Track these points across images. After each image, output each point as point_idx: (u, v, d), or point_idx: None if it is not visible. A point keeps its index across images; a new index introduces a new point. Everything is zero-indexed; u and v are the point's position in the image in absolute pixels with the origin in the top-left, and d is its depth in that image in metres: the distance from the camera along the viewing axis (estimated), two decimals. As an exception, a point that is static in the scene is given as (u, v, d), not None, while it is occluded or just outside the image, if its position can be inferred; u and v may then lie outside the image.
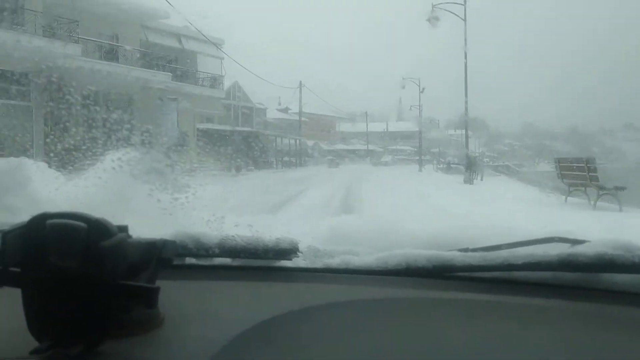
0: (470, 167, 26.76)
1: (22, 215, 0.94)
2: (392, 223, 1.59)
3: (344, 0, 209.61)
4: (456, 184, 24.12)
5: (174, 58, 28.78)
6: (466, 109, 26.01)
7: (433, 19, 25.80)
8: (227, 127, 35.62)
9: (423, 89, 37.09)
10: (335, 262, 1.33)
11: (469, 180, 24.83)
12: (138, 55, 25.13)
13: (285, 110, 65.51)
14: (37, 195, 1.70)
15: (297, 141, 47.74)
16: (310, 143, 69.81)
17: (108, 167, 1.74)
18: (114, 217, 0.90)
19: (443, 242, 1.39)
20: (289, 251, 1.30)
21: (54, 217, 0.84)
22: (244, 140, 37.26)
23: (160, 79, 24.37)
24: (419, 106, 56.46)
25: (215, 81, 31.04)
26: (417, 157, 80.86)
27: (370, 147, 74.82)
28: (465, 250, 1.30)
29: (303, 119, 71.20)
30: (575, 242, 1.27)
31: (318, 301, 1.11)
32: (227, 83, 41.52)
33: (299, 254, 1.33)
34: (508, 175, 41.60)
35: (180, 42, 28.37)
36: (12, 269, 0.84)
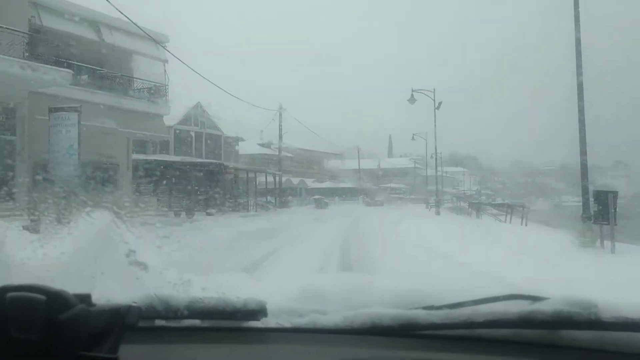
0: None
1: None
2: (362, 281, 1.62)
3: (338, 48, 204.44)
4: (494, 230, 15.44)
5: (94, 55, 19.60)
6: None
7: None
8: (178, 159, 26.33)
9: (439, 103, 28.43)
10: (303, 321, 1.32)
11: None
12: (24, 44, 15.95)
13: (268, 145, 56.44)
14: (11, 261, 1.66)
15: (277, 178, 38.23)
16: (295, 181, 60.94)
17: (82, 231, 1.79)
18: (84, 283, 0.99)
19: (410, 299, 1.36)
20: (257, 312, 1.26)
21: (14, 290, 0.85)
22: (207, 176, 27.83)
23: (50, 77, 15.14)
24: (433, 144, 47.67)
25: (155, 92, 21.76)
26: (413, 196, 72.58)
27: (363, 185, 65.43)
28: (430, 307, 1.28)
29: (287, 154, 62.31)
30: (535, 299, 1.26)
31: None
32: (183, 101, 32.37)
33: (267, 314, 1.28)
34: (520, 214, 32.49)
35: (98, 32, 19.25)
36: None
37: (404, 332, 1.23)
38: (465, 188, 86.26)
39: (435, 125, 29.12)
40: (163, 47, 21.23)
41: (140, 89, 21.26)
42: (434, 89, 28.60)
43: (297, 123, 59.54)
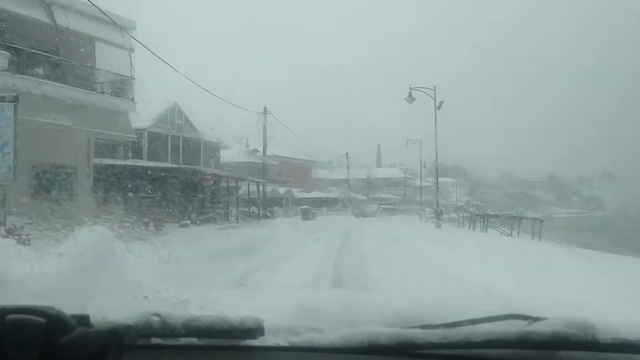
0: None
1: None
2: (358, 298, 1.65)
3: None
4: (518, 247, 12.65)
5: (45, 40, 16.62)
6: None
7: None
8: (149, 164, 23.34)
9: (441, 103, 25.66)
10: (299, 340, 1.29)
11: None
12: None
13: (254, 152, 53.44)
14: (10, 278, 1.63)
15: (260, 186, 35.25)
16: (282, 190, 58.00)
17: (77, 247, 1.71)
18: (80, 300, 1.05)
19: (407, 317, 1.35)
20: (254, 330, 1.24)
21: (14, 312, 0.87)
22: (181, 184, 24.81)
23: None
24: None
25: (119, 86, 18.74)
26: (403, 207, 69.85)
27: (352, 195, 62.45)
28: (427, 326, 1.27)
29: (274, 162, 59.49)
30: (533, 319, 1.25)
31: None
32: (157, 100, 29.39)
33: (265, 332, 1.26)
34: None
35: (49, 13, 16.25)
36: None
37: (401, 351, 1.22)
38: (454, 199, 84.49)
39: (435, 127, 26.31)
40: (129, 34, 18.30)
41: (102, 82, 18.24)
42: (435, 86, 25.91)
43: (283, 130, 56.99)
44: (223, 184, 31.57)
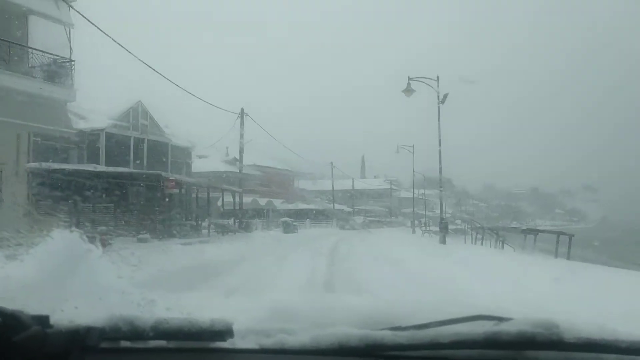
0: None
1: None
2: (330, 300, 1.67)
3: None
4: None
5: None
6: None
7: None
8: (99, 169, 19.58)
9: (445, 95, 22.25)
10: (270, 342, 1.27)
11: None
12: None
13: (234, 161, 49.71)
14: None
15: (236, 196, 31.45)
16: (262, 202, 54.33)
17: (43, 250, 1.62)
18: (46, 304, 0.97)
19: (377, 319, 1.35)
20: (224, 332, 1.21)
21: None
22: (140, 192, 21.05)
23: None
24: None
25: (55, 70, 14.97)
26: (390, 219, 66.39)
27: (337, 206, 58.73)
28: (397, 328, 1.26)
29: (255, 172, 55.87)
30: (500, 319, 1.25)
31: None
32: (123, 99, 25.64)
33: (234, 334, 1.23)
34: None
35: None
36: None
37: (370, 352, 1.21)
38: (440, 211, 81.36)
39: (439, 123, 22.69)
40: (68, 4, 14.57)
41: (33, 64, 14.52)
42: (438, 76, 22.48)
43: (264, 138, 53.38)
44: (201, 194, 27.95)
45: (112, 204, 18.75)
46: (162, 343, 1.23)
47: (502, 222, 55.76)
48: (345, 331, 1.22)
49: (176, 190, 21.47)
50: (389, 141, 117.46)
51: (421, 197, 61.77)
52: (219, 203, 37.72)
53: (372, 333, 1.21)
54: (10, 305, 0.90)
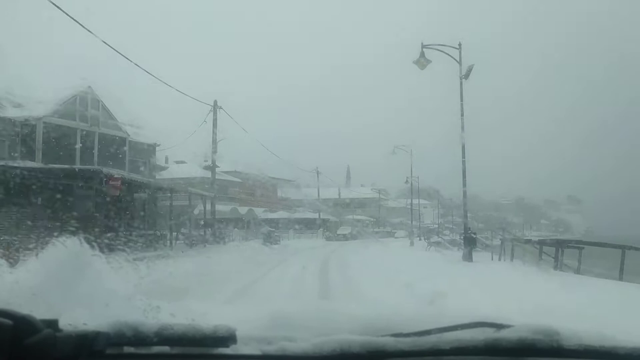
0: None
1: None
2: (330, 308, 1.56)
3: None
4: None
5: None
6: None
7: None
8: (18, 164, 14.99)
9: (469, 68, 17.87)
10: (272, 349, 1.27)
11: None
12: None
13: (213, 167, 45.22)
14: None
15: (207, 202, 26.85)
16: (243, 210, 49.85)
17: (50, 256, 1.62)
18: (53, 309, 0.98)
19: (378, 326, 1.35)
20: (226, 339, 1.21)
21: None
22: (80, 195, 16.44)
23: None
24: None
25: None
26: (379, 229, 62.22)
27: (322, 215, 54.28)
28: (399, 335, 1.26)
29: (235, 179, 51.39)
30: (501, 326, 1.25)
31: None
32: (68, 84, 21.03)
33: (237, 341, 1.23)
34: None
35: None
36: None
37: (372, 359, 1.19)
38: (429, 221, 79.03)
39: (461, 100, 17.97)
40: None
41: None
42: (460, 44, 17.97)
43: (245, 142, 49.12)
44: (176, 202, 23.49)
45: (28, 209, 14.20)
46: (165, 349, 1.21)
47: (488, 233, 52.16)
48: (347, 338, 1.21)
49: (118, 191, 16.88)
50: (377, 146, 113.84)
51: (408, 207, 57.70)
52: (197, 212, 33.33)
53: (374, 339, 1.20)
54: (20, 309, 0.89)
